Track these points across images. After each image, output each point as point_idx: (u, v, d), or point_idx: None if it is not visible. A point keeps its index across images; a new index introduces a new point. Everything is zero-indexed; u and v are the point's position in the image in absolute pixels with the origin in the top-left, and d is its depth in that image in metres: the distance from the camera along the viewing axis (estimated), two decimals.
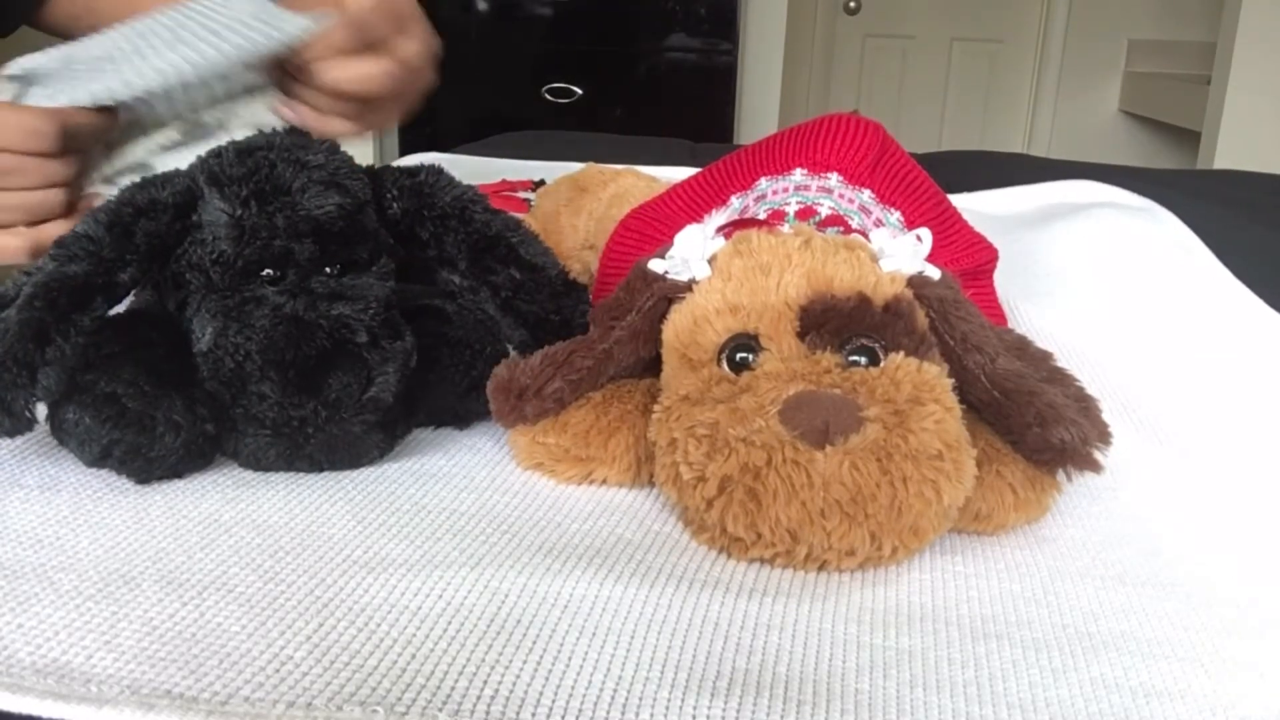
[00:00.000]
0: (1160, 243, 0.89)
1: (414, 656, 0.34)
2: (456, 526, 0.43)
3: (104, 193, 0.51)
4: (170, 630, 0.35)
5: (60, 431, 0.44)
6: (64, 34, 0.81)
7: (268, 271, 0.47)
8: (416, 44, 0.59)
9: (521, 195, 1.09)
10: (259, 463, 0.46)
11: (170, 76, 0.50)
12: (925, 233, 0.47)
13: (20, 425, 0.42)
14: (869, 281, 0.45)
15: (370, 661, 0.33)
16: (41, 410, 0.44)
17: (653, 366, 0.49)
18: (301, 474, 0.47)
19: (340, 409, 0.45)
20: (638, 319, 0.48)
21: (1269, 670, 0.36)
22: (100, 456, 0.43)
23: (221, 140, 0.50)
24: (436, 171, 0.54)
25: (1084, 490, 0.48)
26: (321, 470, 0.47)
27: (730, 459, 0.39)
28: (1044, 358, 0.47)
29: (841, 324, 0.44)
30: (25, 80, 0.50)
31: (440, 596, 0.37)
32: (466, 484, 0.47)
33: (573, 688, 0.33)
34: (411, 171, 0.53)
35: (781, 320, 0.44)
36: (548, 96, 3.00)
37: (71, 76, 0.50)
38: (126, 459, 0.43)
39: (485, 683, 0.33)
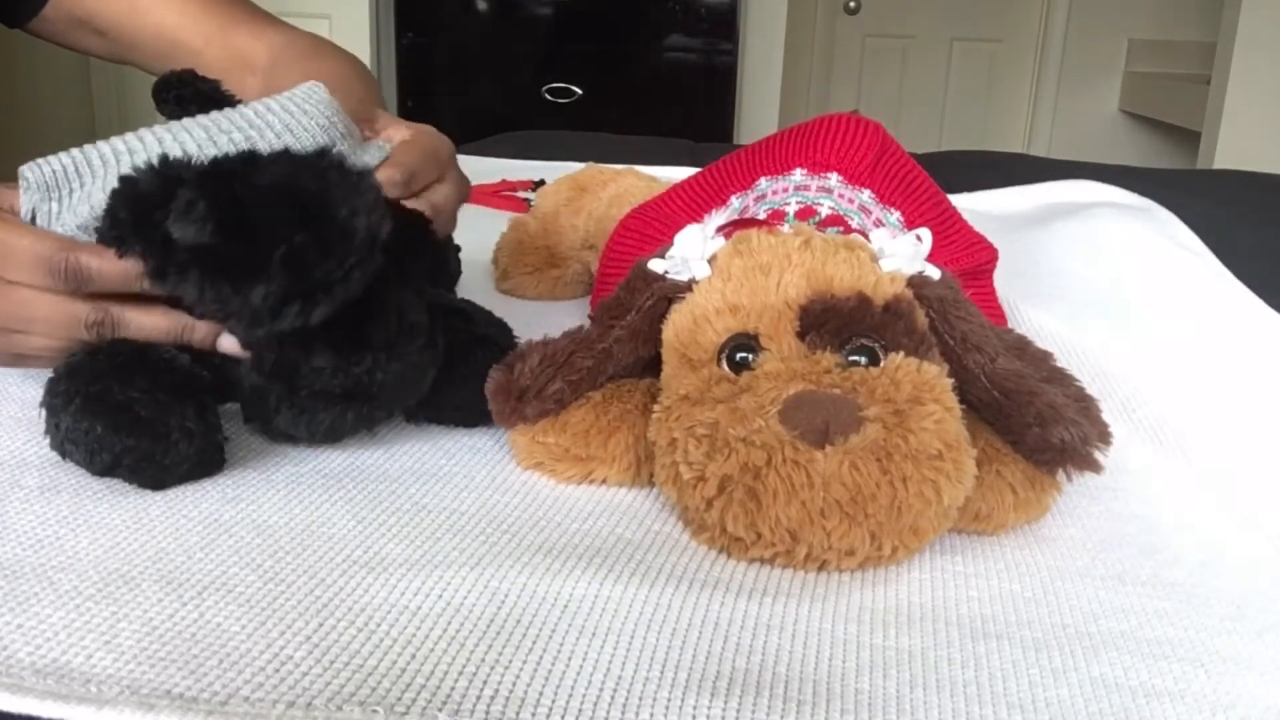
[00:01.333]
0: (1160, 243, 0.89)
1: (414, 656, 0.34)
2: (456, 526, 0.43)
3: None
4: (170, 630, 0.35)
5: (67, 442, 0.44)
6: (59, 40, 0.81)
7: None
8: (449, 188, 0.58)
9: (521, 195, 1.10)
10: (337, 434, 0.46)
11: None
12: (925, 233, 0.47)
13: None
14: (869, 281, 0.45)
15: (370, 661, 0.33)
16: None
17: (653, 366, 0.49)
18: (302, 473, 0.46)
19: (394, 347, 0.45)
20: (637, 318, 0.48)
21: (1268, 670, 0.36)
22: (111, 465, 0.43)
23: None
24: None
25: (1084, 490, 0.48)
26: (392, 414, 0.47)
27: (730, 459, 0.39)
28: (1044, 358, 0.47)
29: (841, 324, 0.44)
30: (44, 190, 0.46)
31: (440, 596, 0.37)
32: (466, 484, 0.47)
33: (573, 688, 0.33)
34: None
35: (781, 320, 0.44)
36: (548, 96, 3.00)
37: (90, 176, 0.46)
38: (140, 466, 0.43)
39: (485, 683, 0.33)
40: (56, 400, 0.44)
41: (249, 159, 0.41)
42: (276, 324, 0.40)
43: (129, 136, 0.47)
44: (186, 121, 0.47)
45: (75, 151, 0.46)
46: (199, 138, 0.46)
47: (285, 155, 0.42)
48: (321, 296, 0.40)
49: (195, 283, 0.40)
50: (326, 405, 0.45)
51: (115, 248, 0.42)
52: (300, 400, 0.45)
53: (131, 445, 0.43)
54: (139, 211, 0.40)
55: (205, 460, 0.45)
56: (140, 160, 0.45)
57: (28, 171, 0.46)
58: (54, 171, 0.46)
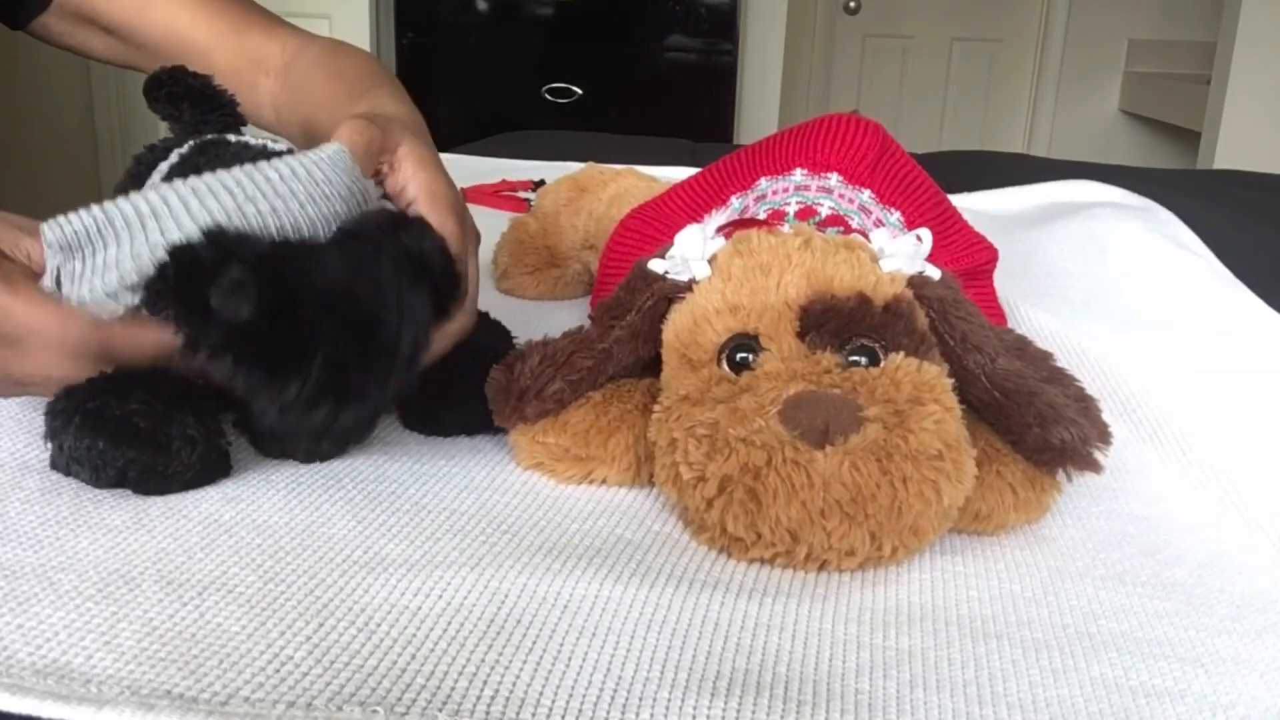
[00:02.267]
0: (1160, 243, 0.89)
1: (414, 656, 0.34)
2: (456, 526, 0.43)
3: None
4: (170, 631, 0.35)
5: (72, 461, 0.44)
6: (62, 42, 0.80)
7: None
8: (474, 265, 0.54)
9: (521, 195, 1.10)
10: (316, 459, 0.48)
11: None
12: (925, 233, 0.47)
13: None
14: (869, 281, 0.45)
15: (370, 661, 0.33)
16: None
17: (653, 366, 0.49)
18: (301, 474, 0.46)
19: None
20: (638, 319, 0.48)
21: (1269, 670, 0.36)
22: (116, 479, 0.43)
23: None
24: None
25: (1084, 490, 0.48)
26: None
27: (730, 459, 0.39)
28: (1044, 358, 0.47)
29: (841, 324, 0.44)
30: (67, 250, 0.44)
31: (440, 596, 0.37)
32: (466, 484, 0.47)
33: (573, 688, 0.33)
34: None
35: (781, 320, 0.44)
36: (548, 96, 3.00)
37: (114, 238, 0.44)
38: (144, 478, 0.43)
39: (485, 683, 0.33)
40: (57, 421, 0.44)
41: (310, 251, 0.41)
42: (305, 419, 0.40)
43: (152, 195, 0.45)
44: (211, 181, 0.45)
45: (97, 210, 0.45)
46: (226, 205, 0.45)
47: (346, 251, 0.41)
48: (354, 402, 0.41)
49: (229, 366, 0.39)
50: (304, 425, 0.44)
51: (152, 310, 0.41)
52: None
53: (134, 458, 0.43)
54: (187, 278, 0.39)
55: (210, 466, 0.45)
56: (169, 225, 0.44)
57: (48, 230, 0.44)
58: (75, 231, 0.44)
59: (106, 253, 0.44)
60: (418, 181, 0.52)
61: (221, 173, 0.45)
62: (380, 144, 0.52)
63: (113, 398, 0.43)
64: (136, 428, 0.43)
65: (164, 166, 0.52)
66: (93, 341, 0.43)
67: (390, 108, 0.59)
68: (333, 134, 0.50)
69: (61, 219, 0.44)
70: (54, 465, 0.45)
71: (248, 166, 0.45)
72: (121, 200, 0.44)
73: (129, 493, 0.44)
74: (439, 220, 0.49)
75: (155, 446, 0.43)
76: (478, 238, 0.57)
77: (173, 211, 0.44)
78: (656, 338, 0.48)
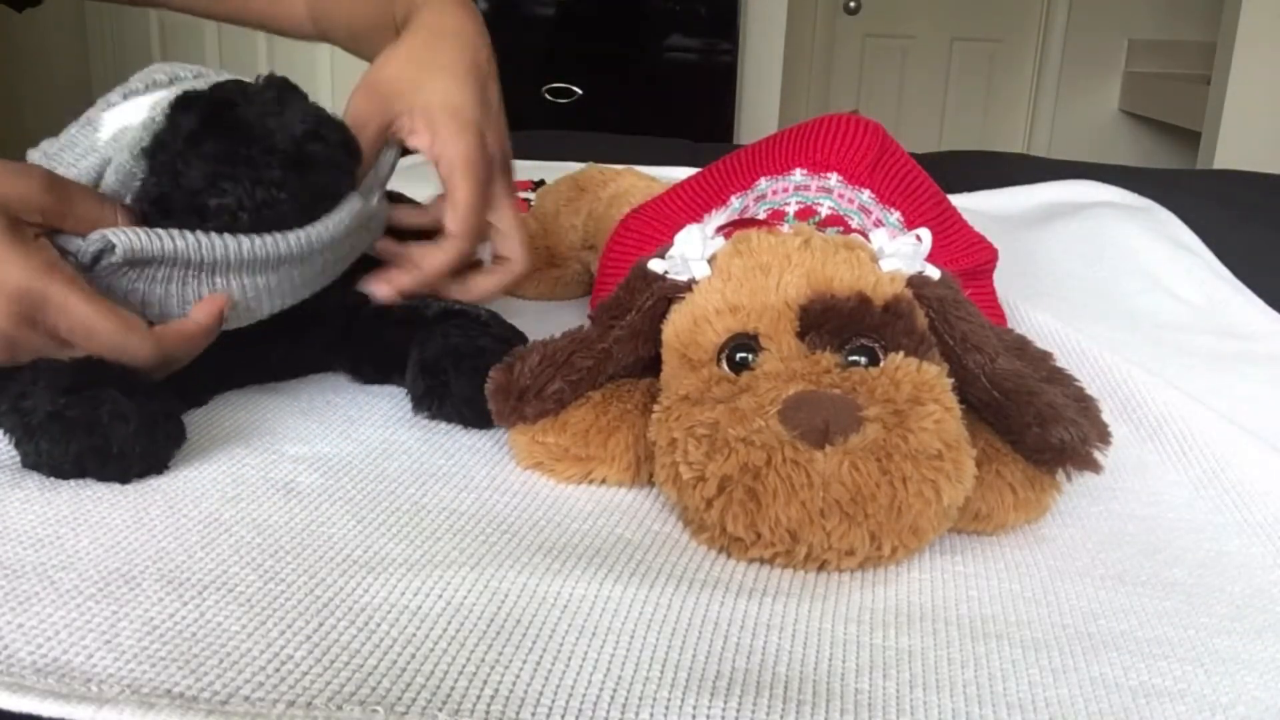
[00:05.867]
0: (1160, 243, 0.89)
1: (414, 656, 0.34)
2: (456, 526, 0.43)
3: None
4: (170, 630, 0.35)
5: (32, 465, 0.45)
6: None
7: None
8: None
9: (521, 195, 1.10)
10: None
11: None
12: (925, 233, 0.47)
13: None
14: (869, 281, 0.45)
15: (370, 661, 0.33)
16: None
17: (653, 366, 0.49)
18: (301, 473, 0.46)
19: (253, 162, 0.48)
20: (637, 318, 0.48)
21: (1268, 670, 0.36)
22: (79, 472, 0.44)
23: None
24: None
25: (1084, 490, 0.48)
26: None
27: (730, 459, 0.39)
28: (1044, 358, 0.47)
29: (841, 324, 0.44)
30: (125, 262, 0.47)
31: (440, 596, 0.37)
32: (466, 484, 0.47)
33: (573, 688, 0.33)
34: None
35: (781, 320, 0.44)
36: (548, 96, 3.00)
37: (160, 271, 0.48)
38: (98, 466, 0.44)
39: (485, 683, 0.33)
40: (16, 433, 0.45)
41: None
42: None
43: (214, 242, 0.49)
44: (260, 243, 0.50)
45: (162, 239, 0.48)
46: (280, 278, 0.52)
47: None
48: None
49: None
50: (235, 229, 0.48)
51: None
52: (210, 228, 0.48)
53: (83, 446, 0.43)
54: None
55: (156, 436, 0.45)
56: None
57: (118, 241, 0.47)
58: (140, 249, 0.47)
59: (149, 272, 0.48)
60: (439, 148, 0.57)
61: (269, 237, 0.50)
62: (382, 119, 0.56)
63: (40, 400, 0.44)
64: (69, 420, 0.43)
65: (143, 102, 0.56)
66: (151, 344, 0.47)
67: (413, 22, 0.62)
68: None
69: (132, 236, 0.47)
70: (25, 465, 0.45)
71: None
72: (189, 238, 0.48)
73: (129, 491, 0.44)
74: (459, 188, 0.56)
75: (88, 430, 0.43)
76: (507, 163, 0.62)
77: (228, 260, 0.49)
78: (656, 338, 0.48)
